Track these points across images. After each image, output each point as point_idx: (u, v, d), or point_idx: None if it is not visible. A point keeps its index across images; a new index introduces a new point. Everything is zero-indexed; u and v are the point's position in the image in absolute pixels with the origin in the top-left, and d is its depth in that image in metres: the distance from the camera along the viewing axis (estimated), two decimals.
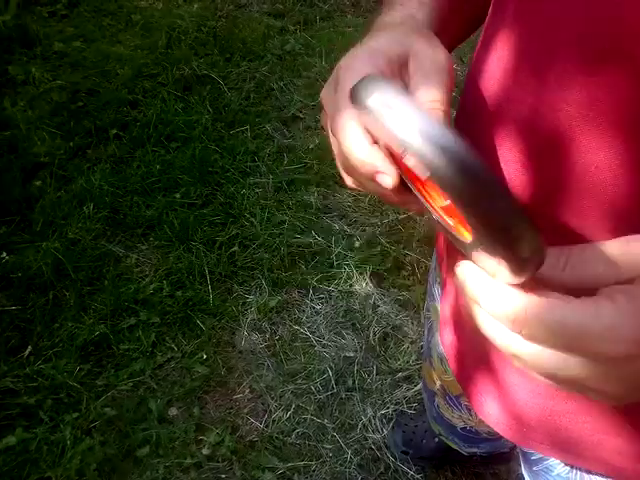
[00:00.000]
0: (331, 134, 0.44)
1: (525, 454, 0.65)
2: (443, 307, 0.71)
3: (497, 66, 0.45)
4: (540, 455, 0.61)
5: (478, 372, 0.64)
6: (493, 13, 0.48)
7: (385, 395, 1.60)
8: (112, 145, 2.14)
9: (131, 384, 1.60)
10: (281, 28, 2.71)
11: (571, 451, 0.55)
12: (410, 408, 1.57)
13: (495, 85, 0.45)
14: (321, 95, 0.46)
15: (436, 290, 0.77)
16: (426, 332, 0.87)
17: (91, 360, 1.63)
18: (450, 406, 0.83)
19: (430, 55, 0.43)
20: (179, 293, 1.76)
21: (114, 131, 2.18)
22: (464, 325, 0.65)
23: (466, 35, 0.61)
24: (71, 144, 2.12)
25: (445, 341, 0.71)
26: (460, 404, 0.80)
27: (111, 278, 1.79)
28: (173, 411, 1.57)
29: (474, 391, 0.65)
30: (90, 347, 1.65)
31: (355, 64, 0.43)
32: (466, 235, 0.34)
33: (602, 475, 0.55)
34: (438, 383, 0.83)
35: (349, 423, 1.55)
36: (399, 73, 0.43)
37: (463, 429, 0.88)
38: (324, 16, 2.83)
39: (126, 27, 2.62)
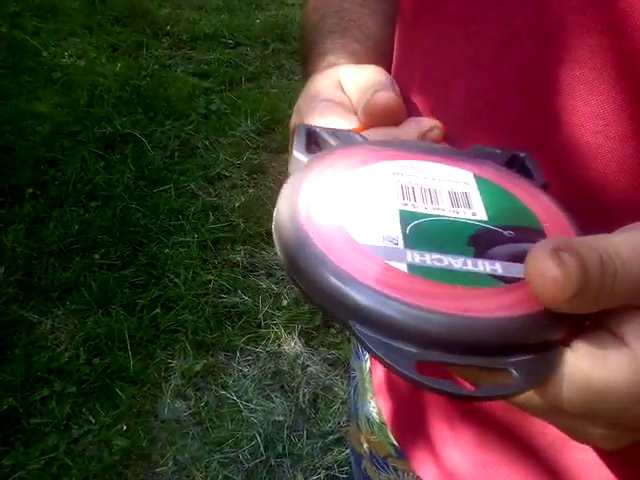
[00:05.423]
0: None
1: None
2: (375, 369, 0.69)
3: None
4: None
5: (414, 431, 0.61)
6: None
7: (316, 460, 1.53)
8: (27, 205, 2.04)
9: (43, 462, 1.47)
10: (206, 88, 2.72)
11: None
12: (342, 472, 1.51)
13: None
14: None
15: (362, 350, 0.75)
16: (352, 392, 0.84)
17: None
18: (377, 468, 0.79)
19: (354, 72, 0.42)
20: (97, 360, 1.66)
21: (30, 190, 2.08)
22: (399, 385, 0.62)
23: None
24: None
25: (381, 404, 0.68)
26: (387, 465, 0.76)
27: (22, 346, 1.67)
28: None
29: (412, 449, 0.62)
30: None
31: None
32: None
33: None
34: (365, 445, 0.79)
35: None
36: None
37: None
38: (249, 77, 2.87)
39: (45, 84, 2.56)
